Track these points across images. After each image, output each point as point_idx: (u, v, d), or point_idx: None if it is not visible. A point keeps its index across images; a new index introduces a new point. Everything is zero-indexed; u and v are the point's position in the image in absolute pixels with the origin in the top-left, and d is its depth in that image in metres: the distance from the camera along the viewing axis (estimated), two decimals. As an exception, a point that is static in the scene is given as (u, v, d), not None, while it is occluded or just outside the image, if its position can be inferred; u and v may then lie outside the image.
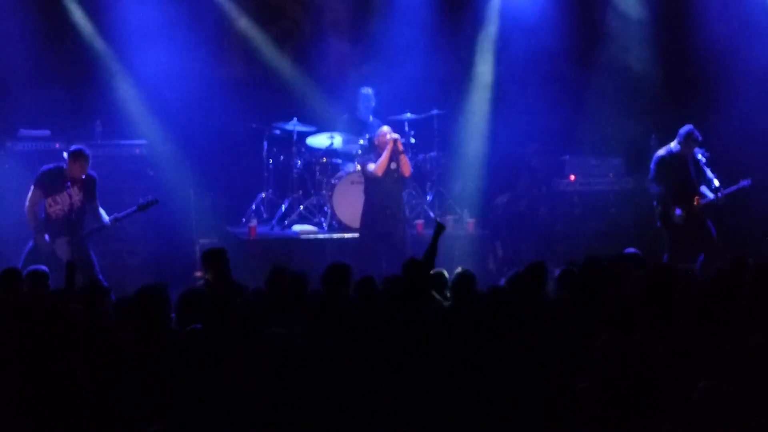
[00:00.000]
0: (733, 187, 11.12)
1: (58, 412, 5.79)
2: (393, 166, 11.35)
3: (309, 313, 7.06)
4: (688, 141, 10.96)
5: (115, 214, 10.06)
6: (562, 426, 5.73)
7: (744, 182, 11.12)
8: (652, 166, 11.16)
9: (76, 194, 9.87)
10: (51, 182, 9.86)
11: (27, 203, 9.90)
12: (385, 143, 11.32)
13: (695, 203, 10.95)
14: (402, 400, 5.72)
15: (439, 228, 8.37)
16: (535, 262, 7.87)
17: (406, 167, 11.44)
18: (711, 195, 11.01)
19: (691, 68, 13.54)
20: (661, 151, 11.13)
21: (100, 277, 9.79)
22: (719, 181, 11.06)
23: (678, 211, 10.96)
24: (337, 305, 7.18)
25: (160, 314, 6.75)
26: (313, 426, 5.64)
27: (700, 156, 11.03)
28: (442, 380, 6.05)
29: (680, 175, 10.99)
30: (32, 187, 9.91)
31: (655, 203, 11.19)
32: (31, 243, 9.90)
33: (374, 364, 6.26)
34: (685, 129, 11.03)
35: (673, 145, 11.08)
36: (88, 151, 9.98)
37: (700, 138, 10.97)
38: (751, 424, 5.57)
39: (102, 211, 10.02)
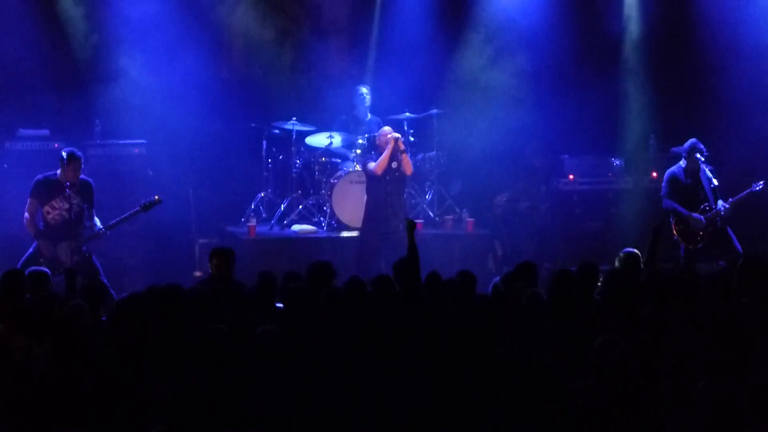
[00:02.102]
0: (742, 194, 10.98)
1: (58, 411, 5.80)
2: (394, 165, 11.37)
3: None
4: (692, 154, 10.91)
5: (118, 218, 10.03)
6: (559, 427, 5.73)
7: (756, 185, 10.93)
8: (663, 183, 11.14)
9: (73, 198, 9.83)
10: (45, 190, 9.85)
11: (26, 214, 9.88)
12: (386, 142, 11.35)
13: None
14: (392, 400, 5.71)
15: (410, 225, 8.43)
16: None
17: (408, 166, 11.47)
18: (721, 206, 10.88)
19: (691, 68, 13.54)
20: (672, 168, 11.11)
21: (106, 281, 9.79)
22: (719, 186, 10.98)
23: (696, 216, 10.89)
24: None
25: (170, 313, 6.82)
26: (305, 426, 5.64)
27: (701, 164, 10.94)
28: (434, 381, 6.05)
29: (691, 188, 10.94)
30: (29, 198, 9.90)
31: (670, 218, 11.05)
32: (31, 249, 9.86)
33: (363, 365, 6.27)
34: (688, 143, 10.98)
35: (682, 162, 11.03)
36: (79, 153, 9.95)
37: (704, 151, 10.89)
38: (751, 424, 5.58)
39: (96, 219, 10.00)
